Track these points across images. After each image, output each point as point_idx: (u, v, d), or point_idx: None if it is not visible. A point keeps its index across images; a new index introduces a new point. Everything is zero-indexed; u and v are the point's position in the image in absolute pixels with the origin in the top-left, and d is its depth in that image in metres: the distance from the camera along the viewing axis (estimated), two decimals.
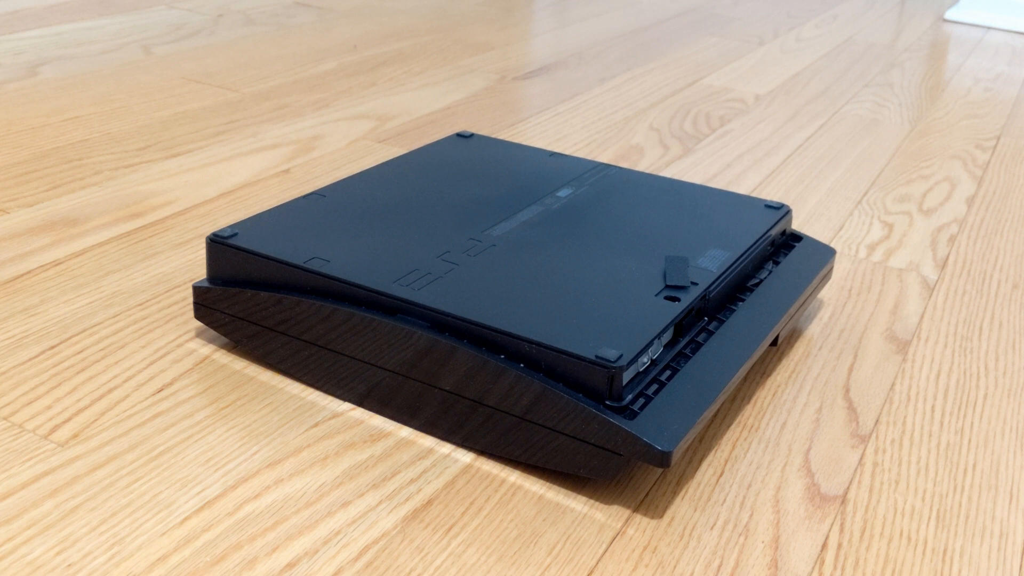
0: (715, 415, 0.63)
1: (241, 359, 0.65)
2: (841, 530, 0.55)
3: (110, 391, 0.61)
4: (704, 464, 0.59)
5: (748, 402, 0.65)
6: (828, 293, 0.81)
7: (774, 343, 0.68)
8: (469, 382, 0.56)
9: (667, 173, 1.03)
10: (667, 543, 0.53)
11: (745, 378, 0.67)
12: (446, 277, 0.61)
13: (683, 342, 0.60)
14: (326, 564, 0.49)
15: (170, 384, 0.62)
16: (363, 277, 0.60)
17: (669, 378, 0.57)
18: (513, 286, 0.61)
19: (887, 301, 0.80)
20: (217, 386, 0.62)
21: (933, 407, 0.67)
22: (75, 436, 0.57)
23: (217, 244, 0.64)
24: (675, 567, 0.51)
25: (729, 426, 0.63)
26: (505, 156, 0.83)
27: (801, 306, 0.69)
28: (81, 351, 0.65)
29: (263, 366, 0.64)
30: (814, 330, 0.75)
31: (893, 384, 0.69)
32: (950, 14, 1.97)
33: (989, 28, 1.91)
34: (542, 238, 0.67)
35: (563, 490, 0.56)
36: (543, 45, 1.56)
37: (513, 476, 0.57)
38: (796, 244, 0.74)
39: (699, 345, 0.60)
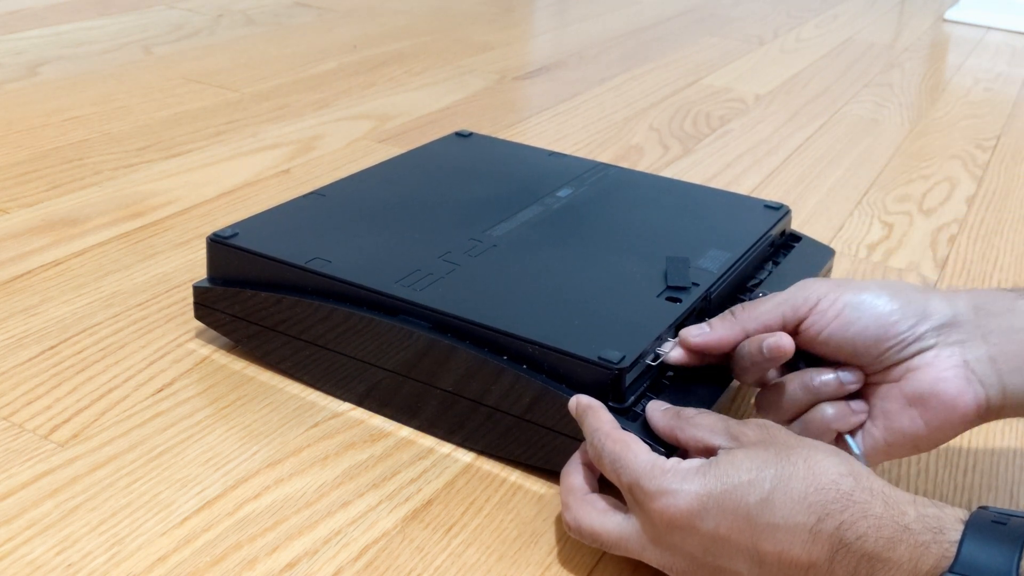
0: None
1: (241, 359, 0.65)
2: None
3: (110, 391, 0.61)
4: None
5: (749, 403, 0.65)
6: None
7: None
8: (469, 382, 0.56)
9: (667, 173, 1.03)
10: None
11: None
12: (447, 278, 0.61)
13: None
14: (326, 564, 0.49)
15: (170, 384, 0.62)
16: (364, 277, 0.60)
17: (671, 379, 0.57)
18: (514, 287, 0.60)
19: None
20: (217, 386, 0.62)
21: None
22: (75, 436, 0.57)
23: (217, 244, 0.64)
24: None
25: None
26: (505, 155, 0.83)
27: None
28: (81, 351, 0.65)
29: (263, 366, 0.64)
30: None
31: None
32: (950, 14, 1.97)
33: (989, 28, 1.91)
34: (543, 238, 0.67)
35: None
36: (543, 45, 1.56)
37: (513, 476, 0.56)
38: (795, 245, 0.74)
39: None
